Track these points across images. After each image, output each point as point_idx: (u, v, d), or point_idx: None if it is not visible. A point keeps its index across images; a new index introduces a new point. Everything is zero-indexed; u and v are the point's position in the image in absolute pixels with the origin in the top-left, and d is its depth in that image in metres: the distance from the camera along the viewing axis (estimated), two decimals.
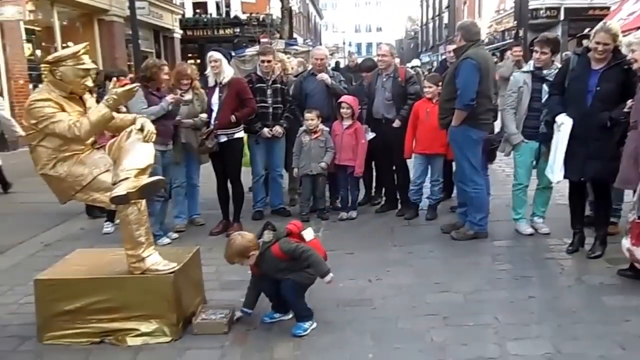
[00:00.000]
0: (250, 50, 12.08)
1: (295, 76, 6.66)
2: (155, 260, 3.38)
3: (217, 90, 5.42)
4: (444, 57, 10.42)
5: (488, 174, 5.68)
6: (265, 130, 5.79)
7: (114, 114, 3.37)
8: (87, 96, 3.49)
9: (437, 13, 50.24)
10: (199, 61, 20.64)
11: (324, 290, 3.56)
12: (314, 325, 3.41)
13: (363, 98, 6.01)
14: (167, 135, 5.12)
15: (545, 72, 4.83)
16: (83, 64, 3.32)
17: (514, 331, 3.32)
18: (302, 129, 5.85)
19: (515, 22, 21.86)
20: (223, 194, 5.63)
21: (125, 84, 5.64)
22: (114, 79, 6.94)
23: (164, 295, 3.34)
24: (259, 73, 5.85)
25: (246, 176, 5.98)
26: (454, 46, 5.31)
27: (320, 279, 3.35)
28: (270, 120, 5.82)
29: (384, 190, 6.39)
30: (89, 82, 3.41)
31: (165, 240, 5.18)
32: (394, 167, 6.08)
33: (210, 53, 5.50)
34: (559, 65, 4.81)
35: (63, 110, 3.26)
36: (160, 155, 4.83)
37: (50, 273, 3.53)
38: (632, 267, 3.98)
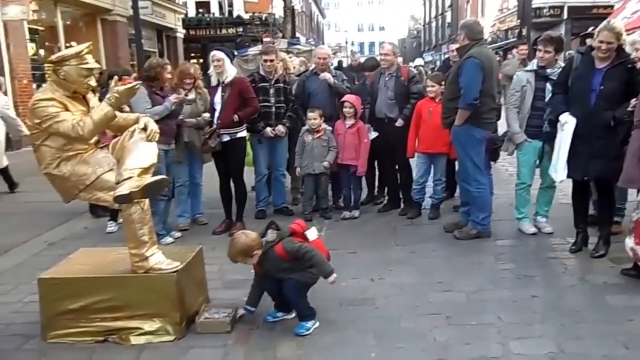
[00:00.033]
0: (253, 50, 12.04)
1: (298, 75, 6.66)
2: (159, 259, 3.39)
3: (219, 89, 5.43)
4: (446, 56, 10.39)
5: (491, 173, 5.66)
6: (268, 129, 5.79)
7: (117, 113, 3.38)
8: (90, 95, 3.50)
9: (439, 12, 50.17)
10: (201, 60, 20.64)
11: (326, 289, 3.55)
12: (317, 324, 3.41)
13: (366, 97, 5.99)
14: (170, 134, 5.12)
15: (548, 71, 4.81)
16: (86, 63, 3.34)
17: (517, 330, 3.32)
18: (304, 128, 5.85)
19: (519, 20, 21.88)
20: (226, 193, 5.63)
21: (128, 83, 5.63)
22: (115, 77, 6.92)
23: (167, 294, 3.34)
24: (261, 72, 5.85)
25: (249, 175, 5.98)
26: (457, 45, 5.29)
27: (324, 279, 3.35)
28: (273, 120, 5.82)
29: (386, 189, 6.38)
30: (92, 82, 3.43)
31: (169, 239, 5.19)
32: (396, 167, 6.07)
33: (213, 52, 5.51)
34: (563, 64, 4.79)
35: (67, 109, 3.27)
36: (163, 155, 4.84)
37: (54, 272, 3.54)
38: (635, 267, 3.98)
